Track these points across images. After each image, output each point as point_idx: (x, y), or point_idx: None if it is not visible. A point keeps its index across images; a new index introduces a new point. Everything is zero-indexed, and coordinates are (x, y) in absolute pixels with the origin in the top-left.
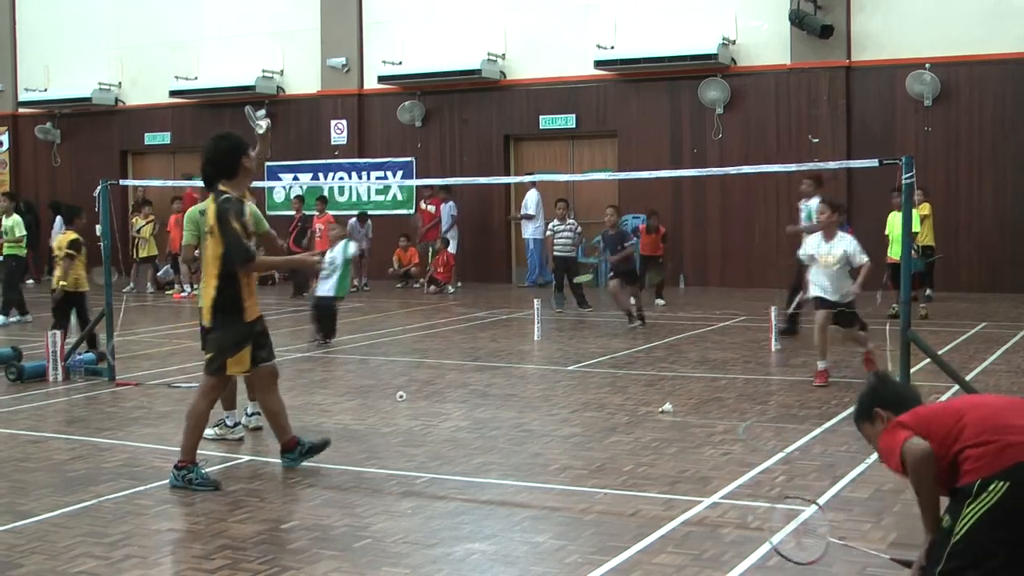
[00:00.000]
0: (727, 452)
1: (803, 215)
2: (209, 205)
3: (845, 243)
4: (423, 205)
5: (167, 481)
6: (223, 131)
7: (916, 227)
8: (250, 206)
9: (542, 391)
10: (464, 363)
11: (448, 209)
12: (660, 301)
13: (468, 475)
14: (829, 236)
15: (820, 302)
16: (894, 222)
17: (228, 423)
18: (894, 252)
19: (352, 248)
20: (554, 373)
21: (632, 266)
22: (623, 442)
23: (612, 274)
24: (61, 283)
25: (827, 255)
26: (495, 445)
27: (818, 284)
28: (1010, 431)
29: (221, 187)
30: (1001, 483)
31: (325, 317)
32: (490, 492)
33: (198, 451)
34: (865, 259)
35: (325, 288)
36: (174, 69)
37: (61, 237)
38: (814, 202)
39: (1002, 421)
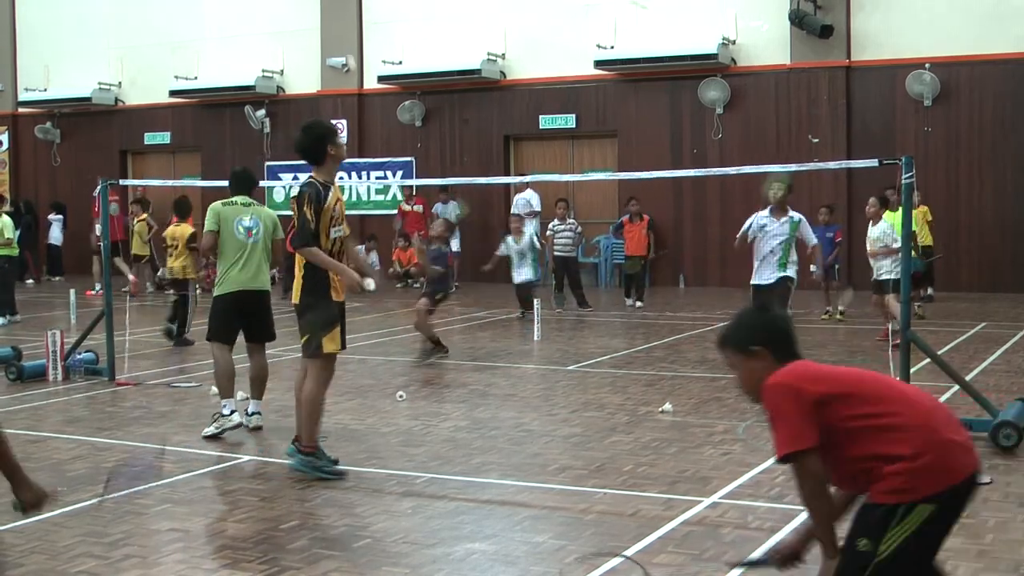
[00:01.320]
0: (727, 452)
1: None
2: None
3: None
4: (405, 206)
5: (167, 480)
6: (312, 120)
7: (916, 227)
8: (335, 193)
9: (542, 391)
10: (464, 363)
11: (451, 208)
12: (638, 303)
13: (468, 475)
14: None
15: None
16: (895, 222)
17: (224, 411)
18: None
19: (527, 238)
20: (554, 373)
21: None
22: (623, 442)
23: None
24: (171, 270)
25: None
26: (495, 445)
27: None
28: (947, 452)
29: (312, 174)
30: (928, 507)
31: (526, 299)
32: (490, 492)
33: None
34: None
35: (524, 275)
36: (174, 69)
37: (177, 229)
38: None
39: (939, 435)
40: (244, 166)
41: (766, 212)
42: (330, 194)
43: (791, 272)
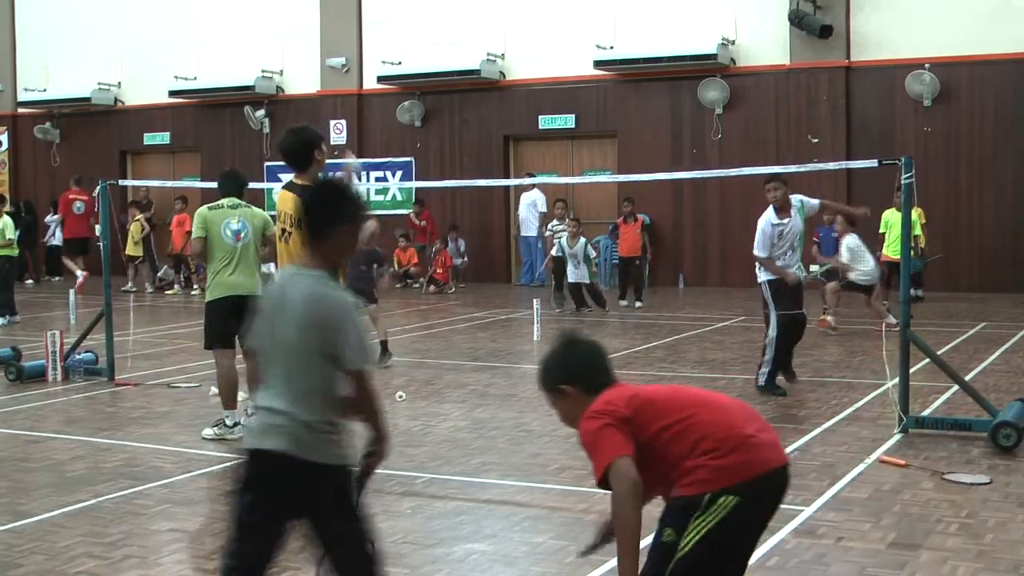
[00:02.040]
0: None
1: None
2: (286, 196)
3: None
4: (414, 219)
5: (167, 480)
6: (298, 124)
7: (917, 228)
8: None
9: None
10: (463, 363)
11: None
12: (637, 303)
13: (468, 475)
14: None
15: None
16: (891, 220)
17: (228, 423)
18: (892, 250)
19: (590, 248)
20: None
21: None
22: None
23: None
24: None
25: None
26: (494, 445)
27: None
28: (745, 445)
29: (294, 179)
30: (731, 498)
31: (575, 295)
32: (490, 492)
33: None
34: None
35: (577, 275)
36: (173, 69)
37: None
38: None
39: (737, 430)
40: (232, 168)
41: (773, 214)
42: None
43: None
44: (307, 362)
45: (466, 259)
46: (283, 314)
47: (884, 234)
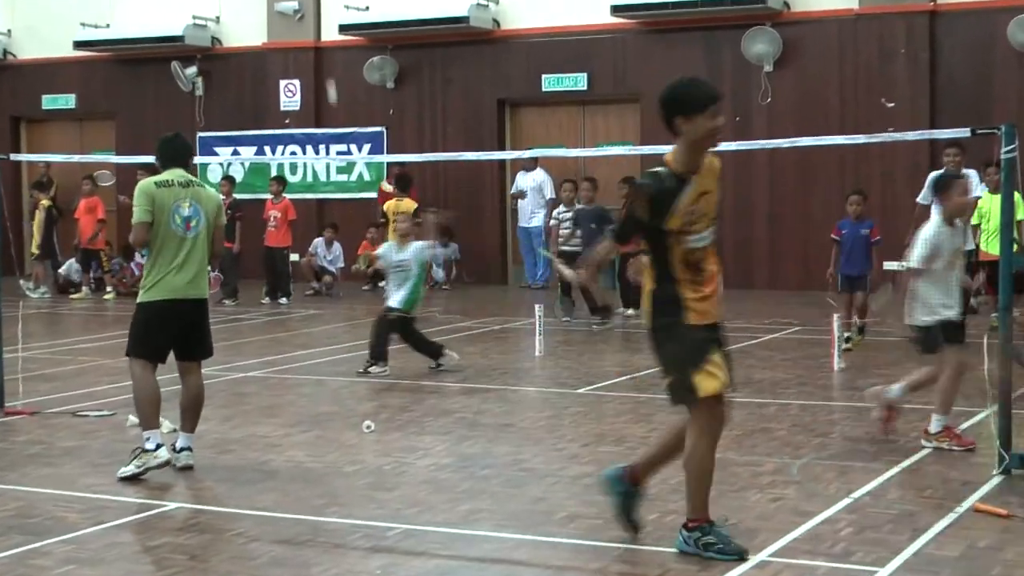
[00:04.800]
0: (778, 497)
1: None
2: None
3: None
4: (387, 187)
5: (71, 535)
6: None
7: (1021, 214)
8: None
9: (546, 420)
10: (447, 385)
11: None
12: (630, 311)
13: (453, 526)
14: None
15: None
16: (987, 207)
17: (148, 446)
18: (990, 246)
19: (428, 252)
20: (560, 397)
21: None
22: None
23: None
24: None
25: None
26: (486, 488)
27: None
28: None
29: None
30: None
31: (382, 335)
32: (481, 547)
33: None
34: None
35: (395, 299)
36: (80, 15)
37: (401, 204)
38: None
39: None
40: (177, 132)
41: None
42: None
43: None
44: None
45: (454, 272)
46: None
47: (978, 225)
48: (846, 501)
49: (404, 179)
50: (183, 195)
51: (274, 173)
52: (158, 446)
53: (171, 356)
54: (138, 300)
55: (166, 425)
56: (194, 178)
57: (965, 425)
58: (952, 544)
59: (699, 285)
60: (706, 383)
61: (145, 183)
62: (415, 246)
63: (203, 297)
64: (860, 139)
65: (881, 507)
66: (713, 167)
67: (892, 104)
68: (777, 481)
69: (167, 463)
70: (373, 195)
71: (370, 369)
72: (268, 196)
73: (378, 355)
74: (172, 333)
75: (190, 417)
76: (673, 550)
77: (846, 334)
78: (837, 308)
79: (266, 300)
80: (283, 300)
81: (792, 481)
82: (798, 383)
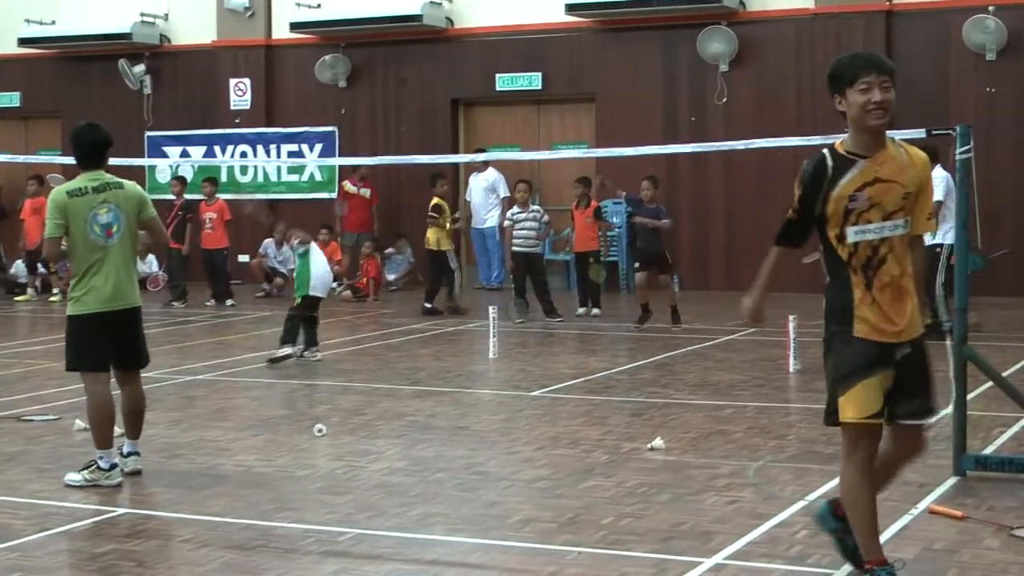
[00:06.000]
0: (734, 500)
1: None
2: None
3: None
4: (349, 186)
5: (16, 542)
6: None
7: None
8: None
9: (500, 423)
10: (400, 387)
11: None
12: (595, 310)
13: (406, 530)
14: None
15: None
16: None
17: (102, 465)
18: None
19: (302, 247)
20: (515, 400)
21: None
22: (602, 487)
23: (638, 264)
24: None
25: None
26: (440, 491)
27: None
28: None
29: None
30: None
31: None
32: (435, 551)
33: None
34: None
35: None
36: (25, 11)
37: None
38: None
39: None
40: (88, 122)
41: None
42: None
43: None
44: None
45: (406, 277)
46: None
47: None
48: (802, 503)
49: (437, 175)
50: (98, 201)
51: (224, 174)
52: (112, 466)
53: None
54: (68, 312)
55: (116, 430)
56: (111, 178)
57: None
58: (908, 546)
59: (870, 290)
60: (848, 407)
61: (57, 194)
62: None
63: (133, 305)
64: (817, 139)
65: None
66: (900, 159)
67: None
68: (734, 484)
69: (119, 486)
70: (325, 195)
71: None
72: (202, 198)
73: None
74: (108, 341)
75: (133, 424)
76: (630, 553)
77: None
78: None
79: (211, 303)
80: (229, 303)
81: (748, 483)
82: (755, 385)
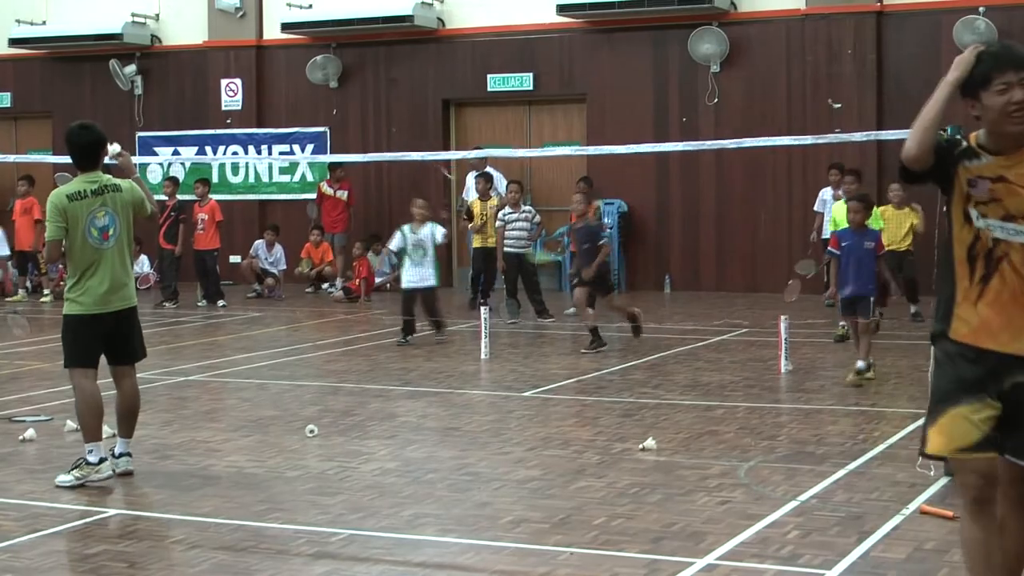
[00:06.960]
0: (725, 500)
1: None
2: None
3: None
4: (326, 188)
5: (6, 544)
6: (86, 121)
7: (840, 223)
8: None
9: (491, 423)
10: (392, 388)
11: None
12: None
13: (397, 531)
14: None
15: None
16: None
17: (90, 459)
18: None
19: (440, 234)
20: (506, 401)
21: (606, 270)
22: (593, 488)
23: (577, 280)
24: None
25: None
26: (432, 492)
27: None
28: None
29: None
30: None
31: (432, 309)
32: (425, 552)
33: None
34: None
35: (418, 278)
36: (15, 11)
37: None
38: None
39: None
40: (82, 122)
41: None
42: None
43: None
44: None
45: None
46: None
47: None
48: (793, 504)
49: (485, 176)
50: (96, 204)
51: (215, 174)
52: (101, 460)
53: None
54: (64, 312)
55: (105, 430)
56: (109, 180)
57: (912, 427)
58: (899, 546)
59: (974, 286)
60: (934, 439)
61: (57, 198)
62: (429, 226)
63: (129, 305)
64: (807, 140)
65: (828, 510)
66: None
67: (839, 105)
68: (725, 484)
69: (109, 479)
70: (311, 197)
71: (409, 339)
72: (195, 199)
73: (410, 330)
74: (100, 340)
75: (126, 422)
76: (621, 554)
77: (859, 362)
78: (866, 330)
79: (202, 303)
80: (221, 303)
81: (740, 484)
82: (745, 385)
